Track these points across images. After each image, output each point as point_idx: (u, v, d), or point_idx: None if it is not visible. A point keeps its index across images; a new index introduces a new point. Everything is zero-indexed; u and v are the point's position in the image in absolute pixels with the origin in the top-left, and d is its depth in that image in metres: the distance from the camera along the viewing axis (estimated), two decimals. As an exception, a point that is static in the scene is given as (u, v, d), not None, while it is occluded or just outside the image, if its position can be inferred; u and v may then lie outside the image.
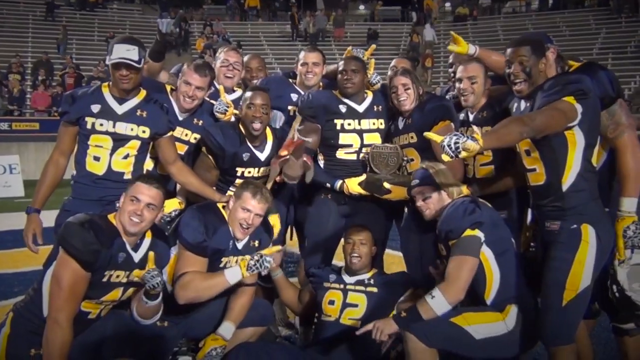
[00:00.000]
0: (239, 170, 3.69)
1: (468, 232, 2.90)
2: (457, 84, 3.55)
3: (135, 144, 3.40)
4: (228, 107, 3.80)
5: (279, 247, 3.38)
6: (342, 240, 3.71)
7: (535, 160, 2.93)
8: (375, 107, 3.84)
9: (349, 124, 3.79)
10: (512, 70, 2.98)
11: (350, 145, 3.81)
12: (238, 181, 3.66)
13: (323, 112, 3.78)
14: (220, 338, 3.22)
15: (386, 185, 3.53)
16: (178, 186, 3.72)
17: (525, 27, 24.16)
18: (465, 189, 3.24)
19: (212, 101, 3.88)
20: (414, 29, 25.72)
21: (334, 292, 3.54)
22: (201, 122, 3.76)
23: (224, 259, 3.25)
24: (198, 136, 3.76)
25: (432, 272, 3.24)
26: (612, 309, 3.13)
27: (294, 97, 4.06)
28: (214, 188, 3.60)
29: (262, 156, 3.73)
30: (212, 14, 28.61)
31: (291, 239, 4.38)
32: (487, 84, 3.48)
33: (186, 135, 3.74)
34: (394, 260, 5.01)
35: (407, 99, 3.63)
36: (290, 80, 4.19)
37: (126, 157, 3.39)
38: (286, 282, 3.81)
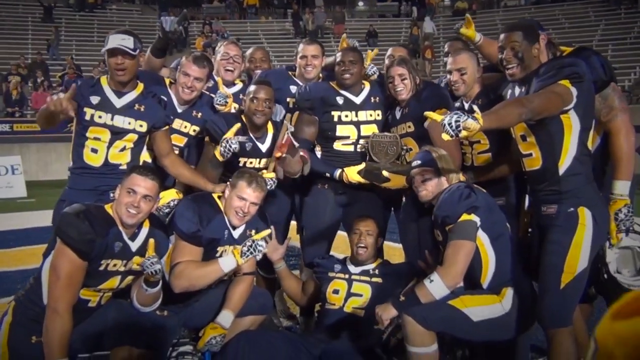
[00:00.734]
0: (242, 160, 3.72)
1: (464, 216, 2.91)
2: (448, 75, 3.58)
3: (133, 137, 3.42)
4: (227, 98, 3.82)
5: (269, 231, 3.38)
6: (343, 231, 3.73)
7: (531, 145, 2.94)
8: (372, 98, 3.85)
9: (347, 116, 3.80)
10: (505, 56, 3.00)
11: (347, 137, 3.82)
12: None
13: (320, 104, 3.79)
14: (219, 327, 3.23)
15: (385, 173, 3.55)
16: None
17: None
18: (461, 176, 3.26)
19: (211, 94, 3.90)
20: (414, 22, 25.74)
21: (339, 281, 3.56)
22: (200, 114, 3.78)
23: (220, 249, 3.28)
24: (197, 128, 3.78)
25: (422, 266, 3.26)
26: (607, 293, 3.14)
27: (293, 89, 4.07)
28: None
29: (264, 147, 3.76)
30: (211, 12, 28.59)
31: (297, 233, 4.37)
32: (479, 72, 3.50)
33: (185, 127, 3.76)
34: (395, 253, 5.03)
35: (404, 89, 3.64)
36: (290, 73, 4.20)
37: (123, 149, 3.41)
38: (289, 274, 3.83)
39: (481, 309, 2.87)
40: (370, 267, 3.58)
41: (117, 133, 3.37)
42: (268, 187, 3.48)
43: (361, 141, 3.82)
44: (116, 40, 3.27)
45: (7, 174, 13.38)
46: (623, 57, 20.23)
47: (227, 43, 4.24)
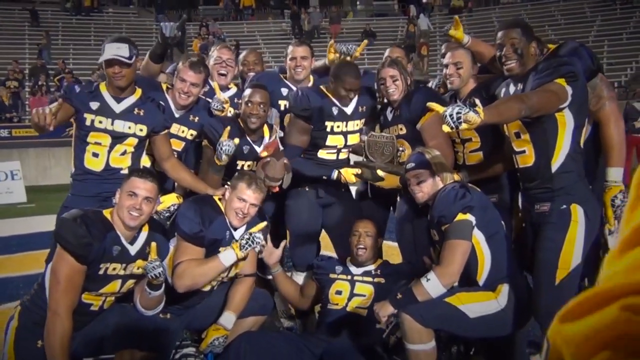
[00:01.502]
0: (239, 163, 3.76)
1: (460, 216, 2.96)
2: (444, 70, 3.61)
3: (133, 141, 3.47)
4: (224, 104, 3.86)
5: (265, 223, 3.41)
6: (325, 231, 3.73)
7: (524, 142, 2.99)
8: (360, 107, 3.87)
9: (338, 127, 3.82)
10: (505, 52, 3.04)
11: (334, 146, 3.86)
12: None
13: (318, 115, 3.78)
14: (221, 328, 3.27)
15: (379, 172, 3.59)
16: (176, 183, 3.78)
17: (520, 17, 24.13)
18: (455, 176, 3.30)
19: (207, 99, 3.94)
20: (411, 20, 25.80)
21: (341, 282, 3.59)
22: (197, 118, 3.82)
23: (222, 249, 3.31)
24: (194, 132, 3.83)
25: (427, 262, 3.29)
26: None
27: (284, 91, 4.11)
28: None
29: (260, 150, 3.79)
30: (208, 14, 28.57)
31: None
32: (474, 70, 3.54)
33: (182, 131, 3.80)
34: (394, 252, 5.07)
35: (396, 90, 3.66)
36: (282, 75, 4.23)
37: (124, 153, 3.46)
38: (285, 278, 3.86)
39: (477, 305, 2.91)
40: (371, 267, 3.61)
41: (118, 137, 3.42)
42: None
43: (343, 150, 3.87)
44: (112, 49, 3.32)
45: (6, 180, 13.35)
46: (619, 52, 20.26)
47: (219, 47, 4.28)
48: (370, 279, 3.56)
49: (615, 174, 3.04)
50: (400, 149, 3.68)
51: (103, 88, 3.45)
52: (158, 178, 3.11)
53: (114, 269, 2.94)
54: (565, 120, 2.87)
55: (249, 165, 3.79)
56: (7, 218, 10.33)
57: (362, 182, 3.78)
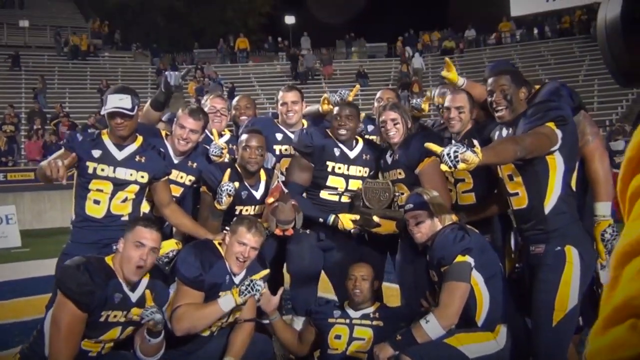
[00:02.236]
0: (238, 208, 3.79)
1: (459, 258, 3.00)
2: (445, 113, 3.63)
3: (134, 188, 3.50)
4: (223, 150, 3.92)
5: (267, 271, 3.41)
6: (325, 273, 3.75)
7: (517, 184, 3.05)
8: (364, 155, 3.92)
9: (339, 168, 3.86)
10: (494, 98, 3.12)
11: (335, 188, 3.89)
12: None
13: (320, 153, 3.84)
14: (222, 373, 3.27)
15: (375, 219, 3.61)
16: (174, 228, 3.81)
17: (510, 58, 24.51)
18: (454, 217, 3.34)
19: (205, 145, 4.00)
20: (403, 60, 26.24)
21: (340, 327, 3.57)
22: (195, 164, 3.87)
23: (222, 294, 3.31)
24: (193, 178, 3.87)
25: (424, 305, 3.30)
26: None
27: (279, 136, 4.18)
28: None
29: (258, 194, 3.84)
30: (203, 57, 28.92)
31: None
32: (474, 114, 3.58)
33: (181, 177, 3.85)
34: (393, 293, 5.07)
35: (397, 133, 3.70)
36: (276, 120, 4.30)
37: (125, 200, 3.49)
38: (284, 325, 3.81)
39: (476, 346, 2.93)
40: (370, 310, 3.60)
41: (119, 184, 3.45)
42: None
43: (346, 194, 3.90)
44: (114, 101, 3.35)
45: (1, 224, 13.30)
46: (609, 91, 20.47)
47: (213, 97, 4.36)
48: (369, 322, 3.55)
49: (603, 208, 3.08)
50: (399, 193, 3.71)
51: (105, 136, 3.50)
52: (161, 226, 3.13)
53: (115, 316, 2.94)
54: (556, 163, 2.93)
55: (246, 210, 3.82)
56: (1, 263, 10.26)
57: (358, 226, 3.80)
